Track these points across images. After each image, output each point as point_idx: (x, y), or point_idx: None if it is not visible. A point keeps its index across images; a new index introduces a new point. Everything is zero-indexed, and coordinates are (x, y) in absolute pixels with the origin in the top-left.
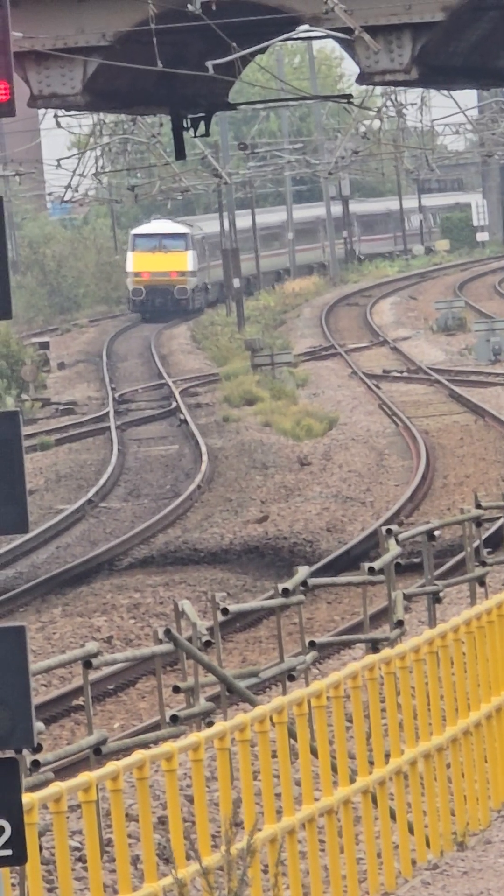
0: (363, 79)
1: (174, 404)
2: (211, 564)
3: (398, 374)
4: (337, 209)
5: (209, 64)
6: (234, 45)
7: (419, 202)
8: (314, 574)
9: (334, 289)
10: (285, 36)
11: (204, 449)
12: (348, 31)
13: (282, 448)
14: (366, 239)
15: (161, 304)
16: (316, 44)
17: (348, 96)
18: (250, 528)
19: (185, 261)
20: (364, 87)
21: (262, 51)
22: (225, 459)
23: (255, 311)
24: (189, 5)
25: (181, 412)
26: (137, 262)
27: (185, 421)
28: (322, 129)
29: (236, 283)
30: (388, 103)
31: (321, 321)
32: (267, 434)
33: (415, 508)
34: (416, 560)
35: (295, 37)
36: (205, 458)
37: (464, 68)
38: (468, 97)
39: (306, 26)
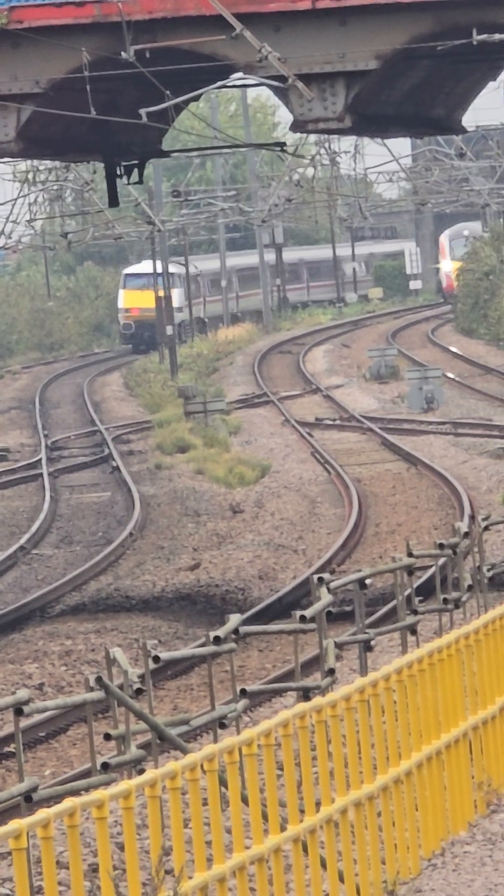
0: (297, 126)
1: (107, 451)
2: (143, 612)
3: (331, 422)
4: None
5: (142, 111)
6: (168, 92)
7: (353, 250)
8: (246, 622)
9: (267, 336)
10: (219, 83)
11: (136, 496)
12: (282, 78)
13: (214, 495)
14: (294, 287)
15: (149, 338)
16: (251, 92)
17: (281, 144)
18: (182, 576)
19: (172, 298)
20: (298, 134)
21: (196, 98)
22: (157, 507)
23: (188, 358)
24: (123, 53)
25: (114, 459)
26: (127, 299)
27: (117, 468)
28: (256, 177)
29: (169, 330)
30: (322, 151)
31: (254, 369)
32: (199, 481)
33: (347, 556)
34: (349, 608)
35: (229, 84)
36: (137, 505)
37: (397, 117)
38: (402, 145)
39: (240, 74)
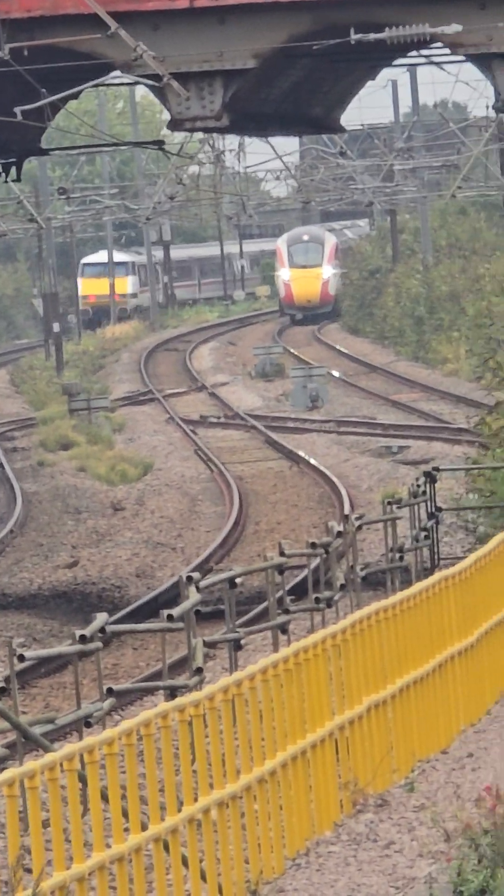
0: (174, 125)
1: None
2: (19, 610)
3: (215, 420)
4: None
5: (17, 110)
6: (44, 91)
7: (240, 248)
8: (121, 620)
9: (154, 334)
10: (95, 81)
11: (18, 493)
12: (157, 77)
13: (96, 493)
14: (181, 285)
15: (106, 323)
16: (140, 89)
17: (159, 142)
18: (60, 574)
19: (126, 285)
20: (185, 133)
21: (75, 96)
22: (39, 504)
23: (74, 355)
24: None
25: None
26: (85, 287)
27: (0, 465)
28: (143, 175)
29: (56, 327)
30: (206, 149)
31: (140, 366)
32: (81, 479)
33: (225, 555)
34: (224, 607)
35: (106, 83)
36: (19, 502)
37: (276, 115)
38: (290, 143)
39: (118, 72)
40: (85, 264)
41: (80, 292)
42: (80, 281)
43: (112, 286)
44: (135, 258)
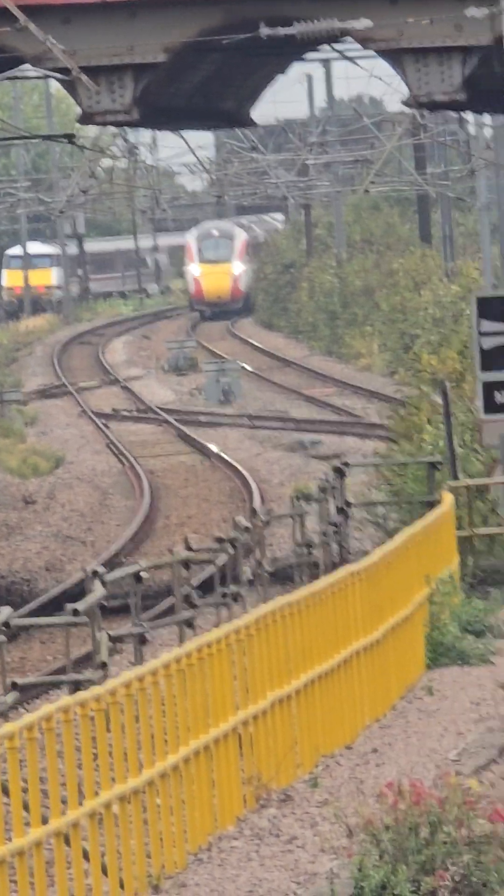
0: (85, 119)
1: None
2: None
3: (127, 414)
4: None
5: None
6: None
7: (154, 242)
8: (30, 613)
9: (68, 327)
10: (4, 75)
11: None
12: (66, 71)
13: (7, 486)
14: (97, 277)
15: (30, 313)
16: (56, 82)
17: (70, 135)
18: None
19: (51, 276)
20: (99, 126)
21: None
22: None
23: None
24: None
25: None
26: (10, 278)
27: None
28: (58, 168)
29: None
30: (119, 142)
31: (53, 359)
32: None
33: (135, 549)
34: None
35: (15, 76)
36: None
37: (188, 109)
38: (206, 137)
39: (28, 65)
40: (10, 256)
41: (5, 283)
42: (3, 272)
43: (26, 278)
44: (57, 250)
